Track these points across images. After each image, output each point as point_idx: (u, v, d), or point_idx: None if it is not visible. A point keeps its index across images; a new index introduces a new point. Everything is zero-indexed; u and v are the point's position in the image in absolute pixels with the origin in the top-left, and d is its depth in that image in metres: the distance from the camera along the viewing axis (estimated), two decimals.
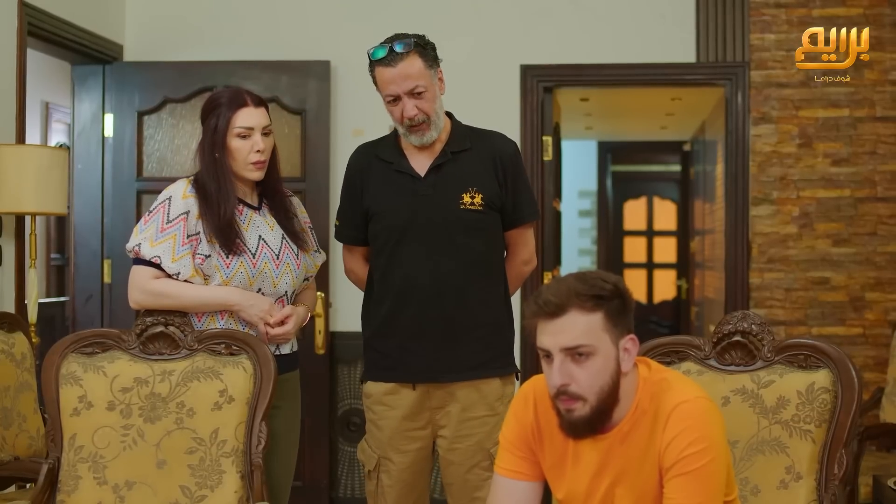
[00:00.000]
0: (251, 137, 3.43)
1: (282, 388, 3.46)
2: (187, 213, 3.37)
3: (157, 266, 3.36)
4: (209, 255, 3.37)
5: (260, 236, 3.46)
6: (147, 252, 3.36)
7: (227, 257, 3.38)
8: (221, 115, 3.42)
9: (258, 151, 3.45)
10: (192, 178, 3.46)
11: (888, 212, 6.08)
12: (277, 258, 3.48)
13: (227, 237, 3.37)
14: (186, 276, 3.36)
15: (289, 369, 3.54)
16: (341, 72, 6.18)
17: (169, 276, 3.36)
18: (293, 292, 3.56)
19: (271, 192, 3.56)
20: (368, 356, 3.63)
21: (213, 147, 3.43)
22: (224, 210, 3.38)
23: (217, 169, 3.42)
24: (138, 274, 3.39)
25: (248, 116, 3.44)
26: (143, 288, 3.37)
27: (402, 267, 3.51)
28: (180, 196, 3.40)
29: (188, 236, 3.36)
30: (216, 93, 3.56)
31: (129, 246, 3.39)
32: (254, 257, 3.42)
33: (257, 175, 3.48)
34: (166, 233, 3.35)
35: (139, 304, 3.40)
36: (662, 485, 2.51)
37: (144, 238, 3.37)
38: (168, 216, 3.37)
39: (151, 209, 3.41)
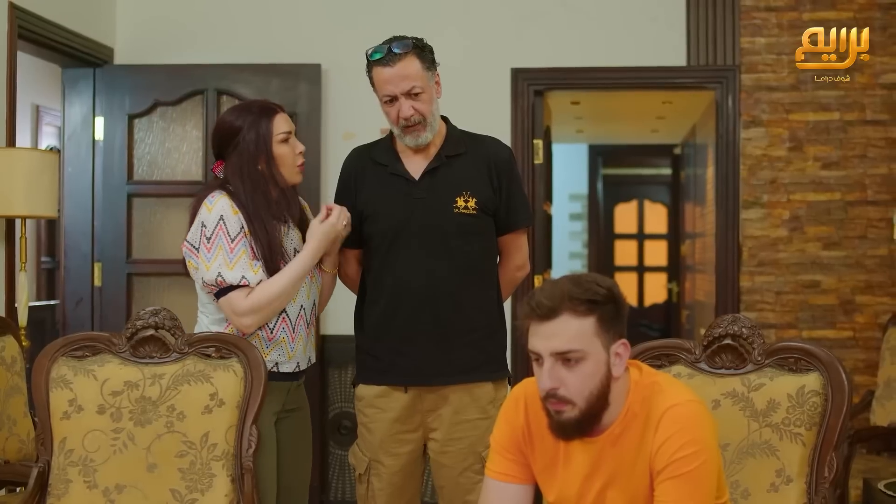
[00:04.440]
0: (291, 141, 3.43)
1: (297, 393, 3.52)
2: (242, 228, 3.32)
3: (245, 286, 3.30)
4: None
5: (295, 249, 3.47)
6: (232, 277, 3.28)
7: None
8: (262, 125, 3.38)
9: (300, 153, 3.46)
10: (225, 192, 3.37)
11: (878, 215, 6.10)
12: (311, 272, 3.49)
13: (273, 263, 3.34)
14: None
15: (301, 375, 3.55)
16: (332, 75, 6.18)
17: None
18: (313, 303, 3.55)
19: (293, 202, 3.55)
20: (360, 359, 3.63)
21: (257, 159, 3.37)
22: (272, 223, 3.36)
23: (265, 180, 3.37)
24: (234, 301, 3.30)
25: (285, 121, 3.44)
26: (243, 311, 3.30)
27: (396, 270, 3.51)
28: (231, 212, 3.32)
29: (251, 248, 3.33)
30: (238, 110, 3.48)
31: (207, 279, 3.30)
32: None
33: (301, 177, 3.49)
34: (236, 252, 3.30)
35: (252, 326, 3.33)
36: (653, 488, 2.51)
37: (219, 266, 3.29)
38: (230, 235, 3.30)
39: (209, 235, 3.31)
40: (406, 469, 3.56)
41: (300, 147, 3.47)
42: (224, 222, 3.30)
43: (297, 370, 3.46)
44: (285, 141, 3.42)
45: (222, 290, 3.31)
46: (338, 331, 6.08)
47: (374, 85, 3.50)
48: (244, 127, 3.38)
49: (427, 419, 3.53)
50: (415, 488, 3.63)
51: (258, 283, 3.30)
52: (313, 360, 3.58)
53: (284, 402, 3.44)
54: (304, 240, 3.50)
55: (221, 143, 3.43)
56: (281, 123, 3.42)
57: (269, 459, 3.37)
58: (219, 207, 3.32)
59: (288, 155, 3.42)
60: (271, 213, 3.37)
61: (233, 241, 3.29)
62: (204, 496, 3.18)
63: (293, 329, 3.43)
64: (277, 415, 3.42)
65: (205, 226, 3.32)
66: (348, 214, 3.52)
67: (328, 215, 3.45)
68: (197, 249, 3.33)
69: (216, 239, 3.30)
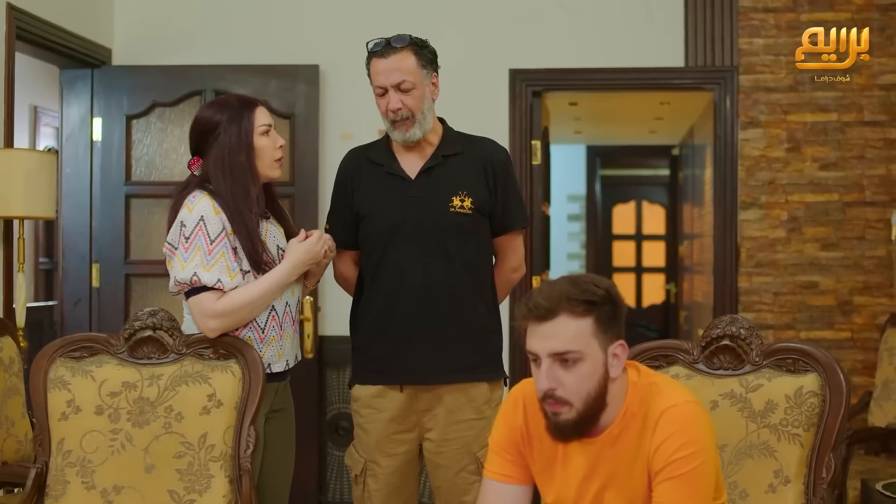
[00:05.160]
0: (271, 134, 3.41)
1: (284, 393, 3.50)
2: (224, 229, 3.27)
3: (219, 289, 3.26)
4: (248, 272, 3.32)
5: (278, 246, 3.45)
6: (208, 278, 3.23)
7: (259, 274, 3.33)
8: (243, 118, 3.36)
9: (280, 147, 3.44)
10: (206, 192, 3.32)
11: (876, 216, 6.10)
12: None
13: (257, 255, 3.31)
14: None
15: (288, 375, 3.53)
16: (330, 76, 6.18)
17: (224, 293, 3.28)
18: (298, 300, 3.53)
19: (270, 198, 3.53)
20: (357, 359, 3.63)
21: (239, 151, 3.33)
22: (252, 218, 3.33)
23: (245, 173, 3.34)
24: (204, 302, 3.26)
25: (265, 114, 3.43)
26: (212, 313, 3.25)
27: (392, 269, 3.51)
28: (212, 213, 3.27)
29: (233, 249, 3.29)
30: (216, 105, 3.45)
31: (181, 278, 3.25)
32: None
33: (279, 172, 3.47)
34: (214, 254, 3.25)
35: (217, 330, 3.28)
36: (651, 488, 2.51)
37: (195, 265, 3.24)
38: (209, 237, 3.25)
39: (187, 235, 3.26)
40: (402, 469, 3.56)
41: (280, 141, 3.45)
42: (204, 223, 3.26)
43: (286, 369, 3.45)
44: (266, 133, 3.40)
45: (194, 290, 3.27)
46: (335, 332, 6.08)
47: (370, 77, 3.52)
48: (224, 121, 3.35)
49: (422, 419, 3.53)
50: (411, 489, 3.63)
51: (232, 289, 3.27)
52: (300, 357, 3.57)
53: (273, 403, 3.43)
54: (286, 238, 3.50)
55: (200, 138, 3.39)
56: (262, 116, 3.40)
57: (258, 460, 3.37)
58: (200, 208, 3.28)
59: (268, 148, 3.40)
60: (250, 208, 3.34)
61: (212, 242, 3.25)
62: (202, 497, 3.18)
63: (281, 327, 3.41)
64: (266, 415, 3.41)
65: (184, 225, 3.28)
66: (332, 243, 3.51)
67: (306, 238, 3.44)
68: (176, 249, 3.30)
69: (195, 239, 3.26)
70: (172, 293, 3.35)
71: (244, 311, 3.29)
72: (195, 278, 3.24)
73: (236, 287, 3.27)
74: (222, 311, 3.26)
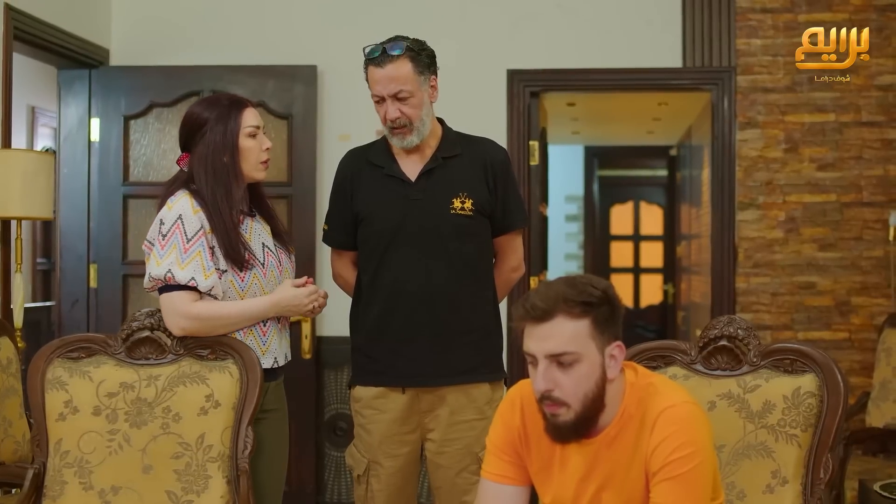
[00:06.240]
0: (258, 136, 3.40)
1: (275, 393, 3.47)
2: (202, 227, 3.27)
3: (193, 288, 3.25)
4: (226, 271, 3.31)
5: (263, 244, 3.43)
6: (182, 276, 3.22)
7: (241, 271, 3.33)
8: (231, 117, 3.35)
9: (266, 149, 3.43)
10: (188, 191, 3.33)
11: (874, 216, 6.10)
12: (280, 264, 3.46)
13: (237, 253, 3.30)
14: (218, 291, 3.29)
15: (280, 374, 3.52)
16: (328, 76, 6.18)
17: (201, 295, 3.27)
18: None
19: (258, 196, 3.54)
20: (357, 360, 3.62)
21: (223, 150, 3.34)
22: (233, 216, 3.31)
23: (228, 173, 3.33)
24: (178, 300, 3.25)
25: (254, 116, 3.41)
26: (186, 314, 3.24)
27: (393, 271, 3.51)
28: (191, 212, 3.27)
29: (210, 249, 3.28)
30: (207, 102, 3.45)
31: (155, 274, 3.25)
32: (263, 267, 3.38)
33: (264, 174, 3.45)
34: (190, 252, 3.24)
35: (186, 331, 3.27)
36: (649, 489, 2.51)
37: (170, 263, 3.23)
38: (186, 235, 3.25)
39: (164, 233, 3.26)
40: (405, 470, 3.56)
41: (267, 143, 3.44)
42: (182, 221, 3.26)
43: (275, 366, 3.43)
44: (253, 136, 3.38)
45: (168, 287, 3.26)
46: (333, 332, 6.07)
47: (368, 83, 3.51)
48: (212, 119, 3.35)
49: (424, 420, 3.54)
50: (412, 489, 3.64)
51: (209, 290, 3.25)
52: (289, 356, 3.54)
53: (263, 403, 3.39)
54: (272, 234, 3.50)
55: (189, 134, 3.39)
56: (250, 117, 3.39)
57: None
58: (178, 207, 3.29)
59: (254, 149, 3.39)
60: (231, 207, 3.33)
61: (189, 241, 3.25)
62: (199, 497, 3.17)
63: (265, 323, 3.39)
64: (256, 416, 3.38)
65: (162, 223, 3.29)
66: (323, 300, 3.49)
67: (304, 285, 3.44)
68: (153, 246, 3.31)
69: (172, 237, 3.26)
70: (146, 289, 3.34)
71: (216, 322, 3.29)
72: (169, 275, 3.23)
73: (212, 287, 3.26)
74: (197, 314, 3.26)
